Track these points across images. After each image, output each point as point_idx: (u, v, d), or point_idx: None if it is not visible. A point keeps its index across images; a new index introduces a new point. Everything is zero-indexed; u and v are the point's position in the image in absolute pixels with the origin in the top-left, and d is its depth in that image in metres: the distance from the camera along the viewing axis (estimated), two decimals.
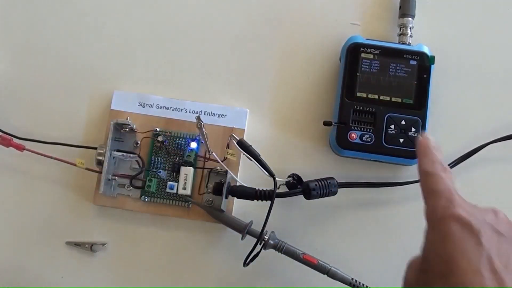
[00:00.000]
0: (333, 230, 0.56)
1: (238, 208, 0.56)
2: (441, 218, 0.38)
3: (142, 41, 0.59)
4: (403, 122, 0.54)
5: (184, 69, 0.59)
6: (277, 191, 0.52)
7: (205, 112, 0.57)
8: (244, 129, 0.56)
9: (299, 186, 0.54)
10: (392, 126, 0.54)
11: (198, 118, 0.51)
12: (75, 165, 0.54)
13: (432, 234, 0.39)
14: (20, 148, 0.55)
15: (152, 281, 0.56)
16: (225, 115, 0.57)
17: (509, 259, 0.37)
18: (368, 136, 0.54)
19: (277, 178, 0.52)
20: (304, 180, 0.53)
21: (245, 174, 0.56)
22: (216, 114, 0.57)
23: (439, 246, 0.38)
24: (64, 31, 0.60)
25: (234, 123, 0.56)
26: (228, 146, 0.55)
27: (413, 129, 0.54)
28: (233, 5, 0.60)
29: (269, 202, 0.51)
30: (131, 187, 0.55)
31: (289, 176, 0.54)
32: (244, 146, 0.53)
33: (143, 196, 0.55)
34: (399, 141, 0.54)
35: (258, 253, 0.52)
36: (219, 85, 0.59)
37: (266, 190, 0.52)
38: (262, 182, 0.53)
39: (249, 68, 0.59)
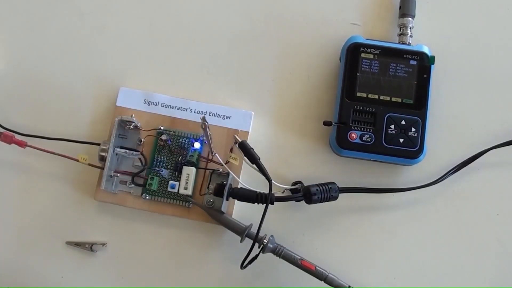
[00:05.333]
0: (333, 233, 0.56)
1: (239, 210, 0.55)
2: None
3: (150, 39, 0.60)
4: (403, 122, 0.54)
5: (190, 69, 0.59)
6: (279, 195, 0.52)
7: (210, 113, 0.56)
8: (248, 132, 0.56)
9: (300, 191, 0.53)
10: (392, 126, 0.54)
11: (204, 119, 0.51)
12: (77, 160, 0.54)
13: None
14: (22, 144, 0.55)
15: (152, 281, 0.56)
16: (230, 116, 0.56)
17: None
18: (368, 136, 0.54)
19: (282, 185, 0.51)
20: (304, 182, 0.53)
21: (247, 176, 0.55)
22: (221, 115, 0.56)
23: None
24: (70, 28, 0.60)
25: (238, 125, 0.56)
26: (231, 150, 0.55)
27: (413, 129, 0.54)
28: (233, 7, 0.60)
29: (270, 205, 0.51)
30: (133, 185, 0.55)
31: (293, 184, 0.54)
32: (245, 149, 0.52)
33: (144, 194, 0.55)
34: (399, 141, 0.54)
35: (256, 256, 0.52)
36: (219, 85, 0.59)
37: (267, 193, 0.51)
38: (264, 185, 0.52)
39: (250, 68, 0.59)
